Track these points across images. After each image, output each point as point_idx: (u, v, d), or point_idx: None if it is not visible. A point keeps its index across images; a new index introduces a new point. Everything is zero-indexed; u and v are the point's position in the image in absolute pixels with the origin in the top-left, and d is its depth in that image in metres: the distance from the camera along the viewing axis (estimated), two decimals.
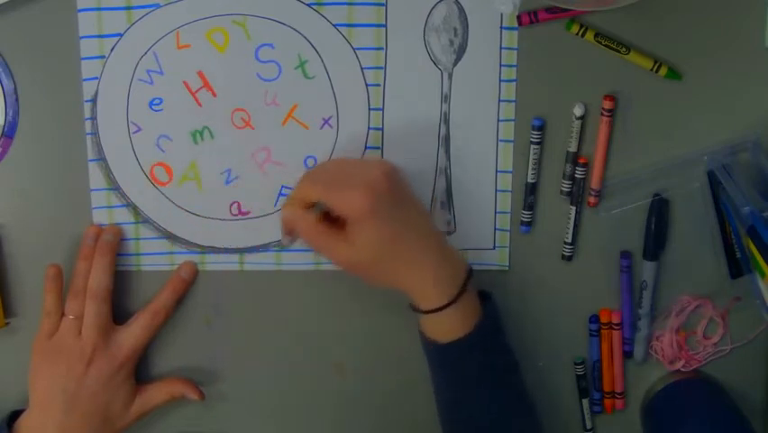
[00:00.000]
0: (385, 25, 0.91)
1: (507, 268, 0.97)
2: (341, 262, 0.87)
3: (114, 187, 0.94)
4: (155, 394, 0.95)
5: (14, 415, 0.93)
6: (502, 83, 0.92)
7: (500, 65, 0.92)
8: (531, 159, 0.93)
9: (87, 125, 0.93)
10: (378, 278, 0.88)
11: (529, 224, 0.95)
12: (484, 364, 0.89)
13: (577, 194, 0.94)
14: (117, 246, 0.94)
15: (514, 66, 0.92)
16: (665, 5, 0.90)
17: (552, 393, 1.00)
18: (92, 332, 0.91)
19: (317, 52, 0.91)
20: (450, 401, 0.91)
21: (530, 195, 0.94)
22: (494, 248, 0.96)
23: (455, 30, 0.91)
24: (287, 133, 0.93)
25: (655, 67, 0.91)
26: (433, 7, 0.91)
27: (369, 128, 0.93)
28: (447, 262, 0.87)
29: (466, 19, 0.91)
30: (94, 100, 0.92)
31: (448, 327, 0.87)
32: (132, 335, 0.93)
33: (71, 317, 0.91)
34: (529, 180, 0.94)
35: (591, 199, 0.95)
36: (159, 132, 0.93)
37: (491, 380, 0.89)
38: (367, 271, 0.87)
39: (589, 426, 1.01)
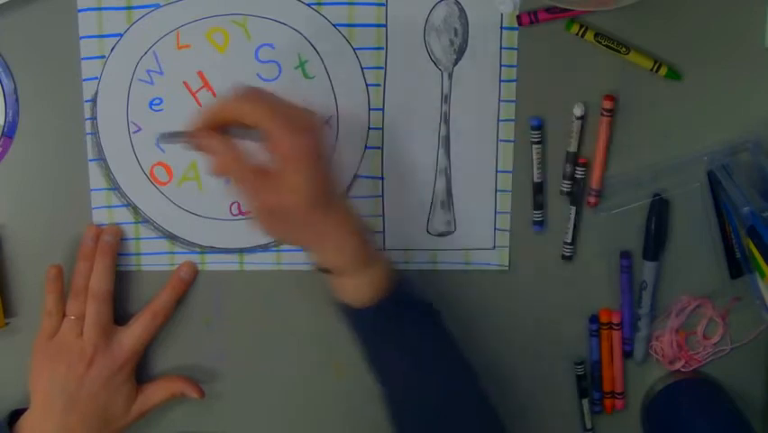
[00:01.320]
0: (385, 25, 0.91)
1: (506, 268, 0.97)
2: (266, 206, 0.81)
3: (114, 187, 0.94)
4: (155, 393, 0.95)
5: (15, 415, 0.93)
6: (502, 83, 0.92)
7: (500, 65, 0.92)
8: (534, 159, 0.93)
9: (87, 125, 0.93)
10: (297, 229, 0.83)
11: (541, 223, 0.95)
12: (405, 325, 0.87)
13: (577, 194, 0.94)
14: (118, 246, 0.94)
15: (514, 66, 0.92)
16: (665, 5, 0.91)
17: (552, 393, 1.00)
18: (93, 332, 0.91)
19: (317, 52, 0.91)
20: (375, 365, 0.90)
21: (539, 194, 0.94)
22: (494, 248, 0.96)
23: (455, 30, 0.91)
24: None
25: (655, 67, 0.91)
26: (433, 7, 0.91)
27: (369, 128, 0.93)
28: (359, 223, 0.85)
29: (466, 19, 0.91)
30: (94, 100, 0.92)
31: (364, 288, 0.85)
32: (132, 335, 0.93)
33: (72, 317, 0.92)
34: (536, 180, 0.94)
35: (591, 199, 0.95)
36: (159, 131, 0.93)
37: (410, 344, 0.88)
38: (291, 218, 0.81)
39: (589, 426, 1.01)
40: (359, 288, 0.85)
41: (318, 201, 0.80)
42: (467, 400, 0.89)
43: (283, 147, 0.78)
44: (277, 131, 0.78)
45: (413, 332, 0.88)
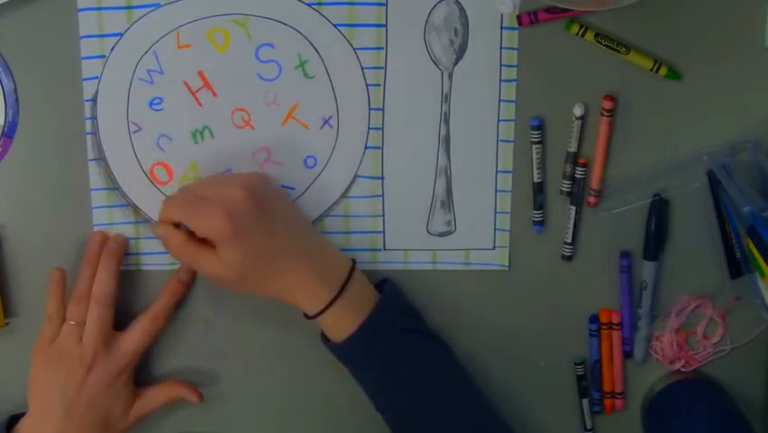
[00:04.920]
0: (385, 25, 0.91)
1: (506, 268, 0.97)
2: (213, 279, 0.88)
3: (114, 186, 0.94)
4: (154, 397, 0.95)
5: (13, 419, 0.93)
6: (502, 83, 0.92)
7: (500, 65, 0.92)
8: (534, 158, 0.93)
9: (88, 125, 0.93)
10: (254, 292, 0.89)
11: (541, 223, 0.95)
12: (384, 352, 0.89)
13: (577, 194, 0.94)
14: (123, 254, 0.94)
15: (514, 66, 0.92)
16: (665, 5, 0.91)
17: (552, 393, 1.00)
18: (93, 338, 0.91)
19: (318, 52, 0.91)
20: (369, 394, 0.92)
21: (539, 194, 0.94)
22: (494, 248, 0.96)
23: (456, 30, 0.91)
24: (287, 132, 0.93)
25: (655, 67, 0.91)
26: (433, 7, 0.91)
27: (369, 128, 0.93)
28: (323, 264, 0.89)
29: (466, 19, 0.91)
30: (94, 100, 0.92)
31: (339, 325, 0.88)
32: (132, 340, 0.93)
33: (72, 322, 0.91)
34: (536, 180, 0.94)
35: (591, 199, 0.95)
36: (159, 131, 0.93)
37: (395, 366, 0.90)
38: (241, 286, 0.88)
39: (589, 426, 1.01)
40: (334, 323, 0.89)
41: (257, 269, 0.87)
42: (471, 419, 0.90)
43: (204, 234, 0.86)
44: (192, 224, 0.86)
45: (397, 356, 0.90)
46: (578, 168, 0.94)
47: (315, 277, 0.88)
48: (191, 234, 0.87)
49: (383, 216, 0.95)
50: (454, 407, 0.90)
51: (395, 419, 0.92)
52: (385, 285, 0.92)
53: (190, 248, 0.87)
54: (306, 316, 0.89)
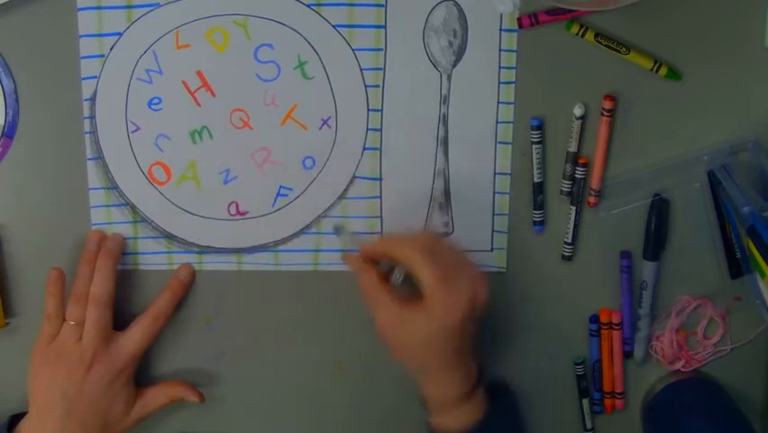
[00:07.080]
0: (384, 26, 0.91)
1: (504, 270, 0.96)
2: (385, 327, 0.87)
3: (112, 186, 0.94)
4: (154, 397, 0.95)
5: (14, 419, 0.93)
6: (501, 85, 0.92)
7: (499, 67, 0.92)
8: (534, 159, 0.93)
9: (86, 124, 0.93)
10: (412, 362, 0.88)
11: (541, 223, 0.95)
12: None
13: (577, 194, 0.94)
14: (121, 253, 0.94)
15: (513, 68, 0.92)
16: (665, 5, 0.90)
17: (552, 393, 1.00)
18: (93, 337, 0.91)
19: (317, 53, 0.91)
20: None
21: (539, 194, 0.94)
22: (492, 250, 0.96)
23: (455, 31, 0.91)
24: (286, 133, 0.93)
25: (655, 67, 0.91)
26: (432, 9, 0.90)
27: (367, 129, 0.93)
28: (467, 363, 0.88)
29: (465, 21, 0.91)
30: (93, 99, 0.92)
31: (450, 419, 0.88)
32: (132, 340, 0.93)
33: (72, 322, 0.91)
34: (536, 180, 0.94)
35: (591, 199, 0.94)
36: (157, 131, 0.93)
37: None
38: (409, 353, 0.87)
39: (589, 426, 1.01)
40: (447, 416, 0.88)
41: (441, 344, 0.85)
42: None
43: (451, 296, 0.84)
44: (439, 292, 0.84)
45: None
46: (578, 168, 0.94)
47: (459, 373, 0.88)
48: (383, 278, 0.88)
49: (381, 217, 0.95)
50: None
51: None
52: (502, 398, 0.92)
53: (380, 292, 0.87)
54: (420, 402, 0.90)
